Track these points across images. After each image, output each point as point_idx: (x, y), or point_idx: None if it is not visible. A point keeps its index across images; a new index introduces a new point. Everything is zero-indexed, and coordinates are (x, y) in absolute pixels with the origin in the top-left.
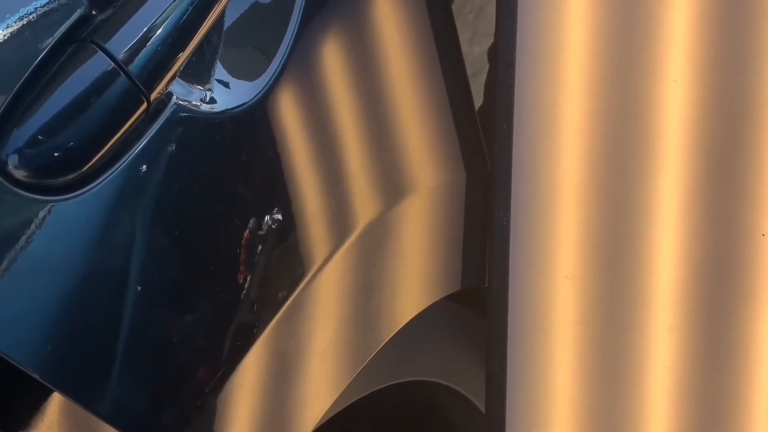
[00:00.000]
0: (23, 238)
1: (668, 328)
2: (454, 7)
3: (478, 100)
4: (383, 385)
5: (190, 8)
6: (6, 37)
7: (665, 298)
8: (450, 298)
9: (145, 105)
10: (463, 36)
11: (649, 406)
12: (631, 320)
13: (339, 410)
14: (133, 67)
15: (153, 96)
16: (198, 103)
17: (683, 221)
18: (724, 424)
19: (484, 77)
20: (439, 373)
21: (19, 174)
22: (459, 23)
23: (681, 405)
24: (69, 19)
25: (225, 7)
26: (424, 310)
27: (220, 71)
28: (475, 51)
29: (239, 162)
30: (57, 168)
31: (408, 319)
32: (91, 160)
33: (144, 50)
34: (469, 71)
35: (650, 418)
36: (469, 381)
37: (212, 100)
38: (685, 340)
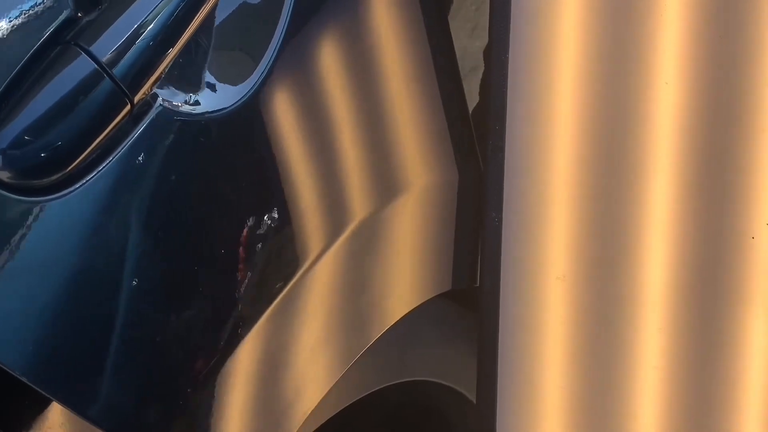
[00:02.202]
0: (8, 239)
1: (657, 328)
2: (455, 1)
3: (476, 94)
4: (383, 385)
5: (175, 12)
6: None
7: (655, 300)
8: (450, 298)
9: (128, 107)
10: (464, 28)
11: (637, 406)
12: (620, 321)
13: (339, 410)
14: (117, 70)
15: (137, 98)
16: (183, 105)
17: (673, 223)
18: (712, 424)
19: (482, 72)
20: (439, 373)
21: (3, 175)
22: (460, 16)
23: (669, 405)
24: (54, 21)
25: (210, 11)
26: (413, 310)
27: (206, 74)
28: (475, 44)
29: (225, 163)
30: (42, 169)
31: (397, 318)
32: (76, 161)
33: (128, 53)
34: (468, 65)
35: (639, 417)
36: (469, 381)
37: (197, 103)
38: (673, 341)
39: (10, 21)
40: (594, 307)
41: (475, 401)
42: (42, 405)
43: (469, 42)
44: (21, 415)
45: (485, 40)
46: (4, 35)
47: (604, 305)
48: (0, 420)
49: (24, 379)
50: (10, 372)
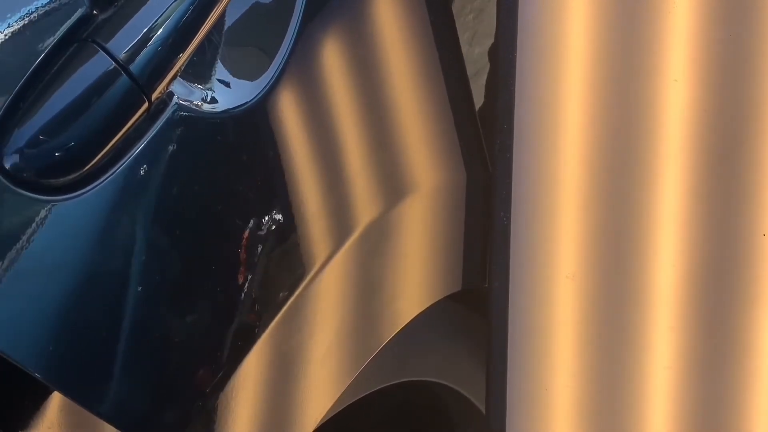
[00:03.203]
0: (24, 238)
1: (668, 327)
2: (454, 9)
3: (478, 100)
4: (384, 385)
5: (191, 8)
6: (8, 37)
7: (665, 298)
8: (451, 298)
9: (146, 105)
10: (463, 37)
11: (649, 406)
12: (631, 320)
13: (340, 409)
14: (135, 67)
15: (154, 96)
16: (199, 103)
17: (684, 221)
18: (723, 424)
19: (484, 78)
20: (439, 373)
21: (21, 174)
22: (459, 24)
23: (681, 405)
24: (70, 18)
25: (226, 7)
26: (424, 311)
27: (221, 71)
28: (475, 51)
29: (240, 162)
30: (58, 168)
31: (408, 320)
32: (93, 159)
33: (145, 50)
34: (469, 72)
35: (650, 418)
36: (469, 381)
37: (213, 100)
38: (685, 340)
39: (26, 18)
40: (604, 306)
41: (476, 401)
42: (42, 404)
43: (468, 49)
44: (21, 414)
45: (484, 47)
46: (19, 33)
47: (614, 304)
48: (0, 420)
49: (38, 377)
50: (26, 370)
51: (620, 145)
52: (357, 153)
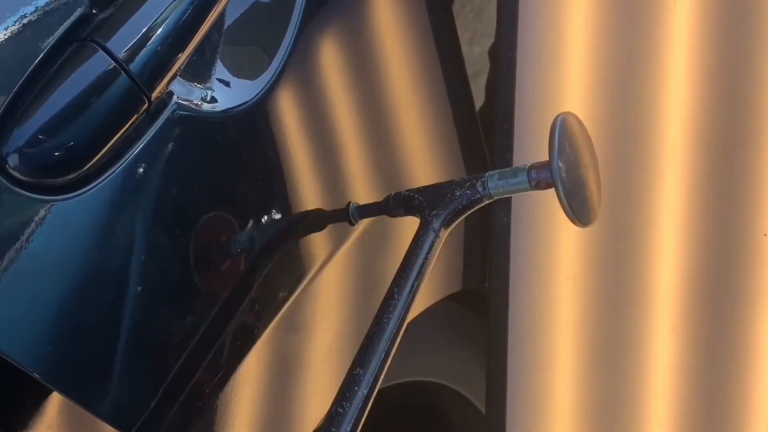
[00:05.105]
0: (24, 238)
1: (669, 327)
2: (454, 8)
3: (478, 100)
4: (384, 385)
5: (191, 7)
6: (7, 37)
7: (666, 298)
8: (450, 298)
9: (146, 104)
10: (463, 36)
11: (649, 406)
12: (632, 320)
13: None
14: (134, 67)
15: (154, 95)
16: (199, 103)
17: (684, 220)
18: (724, 424)
19: (484, 77)
20: (439, 373)
21: (20, 173)
22: (459, 23)
23: (682, 405)
24: (70, 18)
25: (225, 6)
26: (424, 311)
27: (220, 70)
28: (475, 51)
29: (240, 161)
30: (58, 167)
31: (409, 320)
32: (92, 159)
33: (145, 49)
34: (469, 71)
35: (651, 418)
36: (469, 381)
37: (213, 100)
38: (686, 340)
39: (25, 18)
40: (605, 306)
41: (476, 401)
42: (41, 405)
43: (468, 49)
44: (20, 414)
45: (484, 46)
46: (19, 32)
47: (615, 304)
48: (0, 420)
49: (37, 377)
50: (26, 371)
51: (621, 144)
52: (357, 153)
